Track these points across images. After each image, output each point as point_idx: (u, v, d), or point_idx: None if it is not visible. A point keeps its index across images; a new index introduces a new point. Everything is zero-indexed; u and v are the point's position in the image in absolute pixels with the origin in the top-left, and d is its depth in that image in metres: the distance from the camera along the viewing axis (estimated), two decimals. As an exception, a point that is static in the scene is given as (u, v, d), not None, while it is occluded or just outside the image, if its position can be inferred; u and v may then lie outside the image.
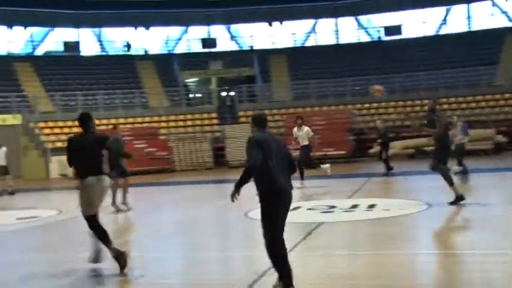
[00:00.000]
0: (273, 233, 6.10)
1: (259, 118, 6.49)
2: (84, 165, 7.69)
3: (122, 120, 32.05)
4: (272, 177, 6.05)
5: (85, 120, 7.87)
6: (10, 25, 38.37)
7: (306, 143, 16.91)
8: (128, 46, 40.85)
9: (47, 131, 30.47)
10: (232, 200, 6.17)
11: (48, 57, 38.88)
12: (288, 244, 8.62)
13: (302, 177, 16.60)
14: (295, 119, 17.75)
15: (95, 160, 7.64)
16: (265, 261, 7.41)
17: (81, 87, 34.08)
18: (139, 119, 32.56)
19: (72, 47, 38.90)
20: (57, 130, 30.87)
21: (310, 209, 12.28)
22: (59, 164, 28.04)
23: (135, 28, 41.36)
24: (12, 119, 29.80)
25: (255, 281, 6.65)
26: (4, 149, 20.18)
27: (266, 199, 6.08)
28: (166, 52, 41.48)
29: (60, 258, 9.08)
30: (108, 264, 7.68)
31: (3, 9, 36.97)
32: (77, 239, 11.11)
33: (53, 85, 34.28)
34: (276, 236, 6.12)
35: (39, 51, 39.86)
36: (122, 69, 37.64)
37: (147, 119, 32.75)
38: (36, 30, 39.87)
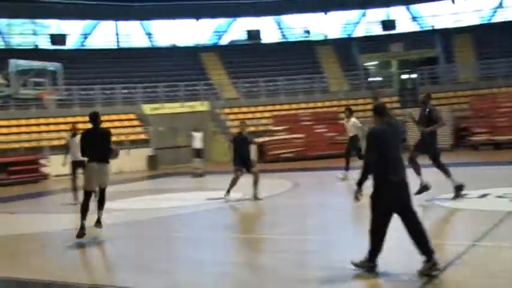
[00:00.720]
0: (377, 221, 6.45)
1: (380, 107, 6.67)
2: (90, 153, 9.67)
3: (302, 105, 32.62)
4: (386, 171, 6.32)
5: (93, 118, 9.89)
6: (197, 17, 40.54)
7: (351, 134, 17.11)
8: (307, 32, 41.36)
9: (232, 116, 31.86)
10: (357, 200, 6.54)
11: (232, 46, 40.54)
12: (474, 234, 8.34)
13: (347, 168, 16.37)
14: (344, 110, 17.75)
15: (98, 150, 9.57)
16: (453, 250, 7.26)
17: (263, 74, 35.13)
18: (319, 104, 32.87)
19: (254, 35, 40.21)
20: (241, 116, 32.13)
21: (499, 196, 11.65)
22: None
23: (314, 13, 41.69)
24: (200, 106, 31.54)
25: (442, 269, 6.49)
26: (200, 133, 22.02)
27: (378, 189, 6.37)
28: (345, 36, 41.40)
29: (245, 237, 9.52)
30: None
31: (191, 4, 39.20)
32: (260, 219, 11.60)
33: (236, 73, 35.71)
34: (379, 224, 6.45)
35: (224, 41, 41.70)
36: (302, 54, 38.18)
37: (327, 103, 32.97)
38: (221, 21, 41.73)
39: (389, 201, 6.37)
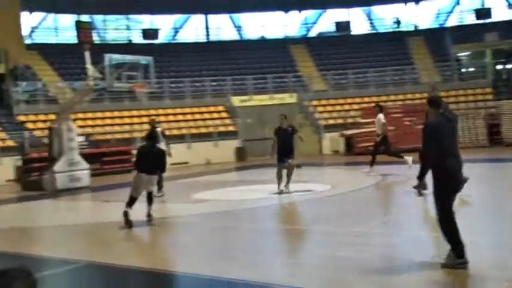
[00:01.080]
0: (443, 211, 6.55)
1: (434, 100, 7.00)
2: (143, 166, 11.15)
3: (392, 97, 32.05)
4: (443, 160, 6.52)
5: (154, 137, 12.09)
6: (286, 10, 40.53)
7: (378, 131, 17.09)
8: (398, 22, 40.51)
9: (320, 108, 31.73)
10: (419, 194, 7.10)
11: (321, 38, 40.27)
12: None
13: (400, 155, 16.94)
14: (374, 106, 18.29)
15: (152, 165, 11.19)
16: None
17: (352, 65, 34.75)
18: (409, 95, 32.20)
19: (343, 27, 39.79)
20: (329, 108, 31.98)
21: None
22: (331, 141, 29.11)
23: (405, 4, 40.79)
24: (289, 98, 31.57)
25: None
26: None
27: (438, 179, 6.55)
28: (437, 26, 40.26)
29: (333, 230, 9.46)
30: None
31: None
32: (347, 213, 11.49)
33: (325, 65, 35.50)
34: (446, 213, 6.55)
35: (313, 33, 41.50)
36: (392, 46, 37.47)
37: (418, 95, 32.21)
38: (310, 13, 41.54)
39: (451, 192, 6.62)
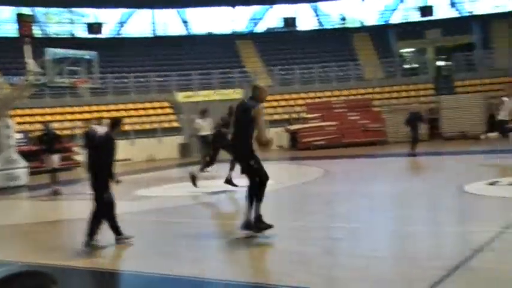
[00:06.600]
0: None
1: (115, 121, 8.93)
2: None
3: (336, 93, 32.38)
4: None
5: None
6: (234, 5, 40.37)
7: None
8: (344, 19, 40.87)
9: (265, 104, 31.67)
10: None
11: (268, 33, 40.32)
12: (504, 220, 8.13)
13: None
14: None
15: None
16: (483, 236, 7.13)
17: (298, 61, 34.94)
18: (353, 91, 32.59)
19: (290, 23, 39.91)
20: (274, 103, 32.05)
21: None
22: (275, 135, 29.13)
23: (351, 0, 41.13)
24: (234, 94, 31.48)
25: (470, 256, 6.35)
26: None
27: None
28: (382, 23, 40.78)
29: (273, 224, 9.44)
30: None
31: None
32: (290, 207, 11.50)
33: (271, 60, 35.60)
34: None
35: (260, 28, 41.46)
36: (337, 42, 37.85)
37: (362, 91, 32.66)
38: (257, 8, 41.47)
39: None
